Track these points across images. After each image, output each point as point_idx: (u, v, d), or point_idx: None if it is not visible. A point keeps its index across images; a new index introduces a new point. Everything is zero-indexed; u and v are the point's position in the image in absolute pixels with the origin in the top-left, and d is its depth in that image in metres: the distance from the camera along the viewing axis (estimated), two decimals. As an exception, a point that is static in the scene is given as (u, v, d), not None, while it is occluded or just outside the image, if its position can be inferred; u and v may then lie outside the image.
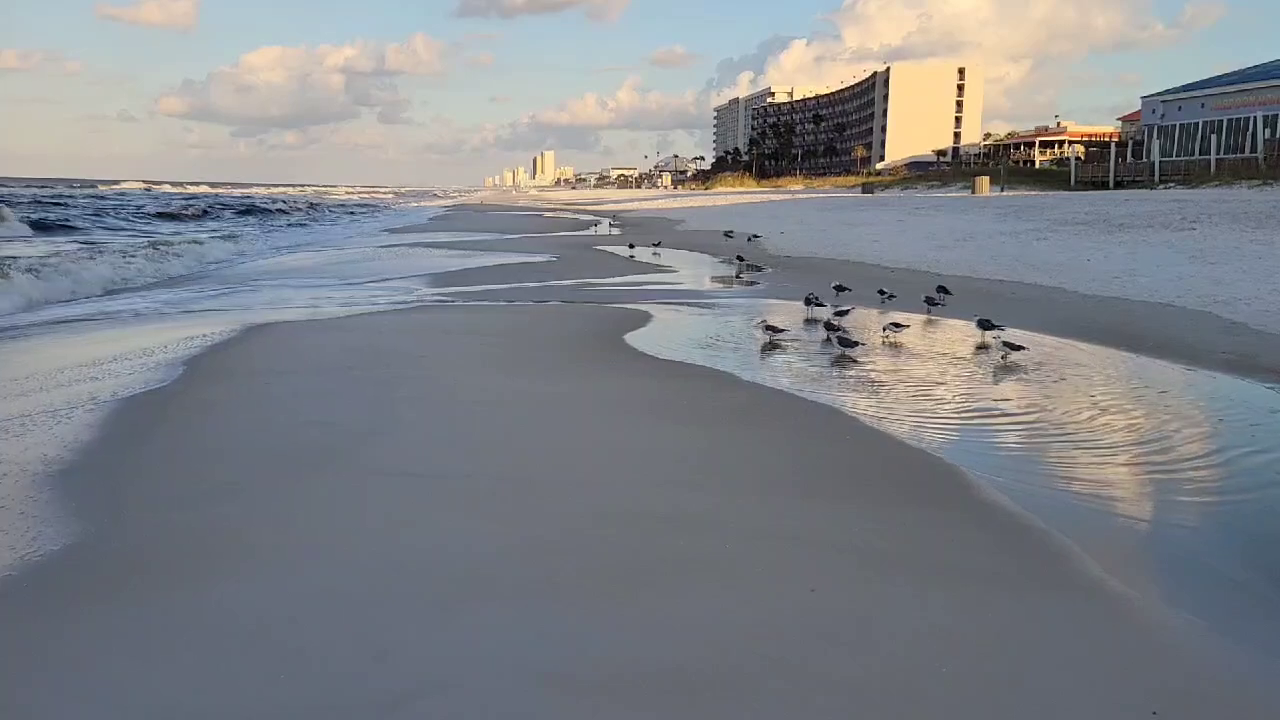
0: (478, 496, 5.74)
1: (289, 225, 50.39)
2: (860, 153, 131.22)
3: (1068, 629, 4.07)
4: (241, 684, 3.58)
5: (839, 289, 14.79)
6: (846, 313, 12.53)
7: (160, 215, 52.91)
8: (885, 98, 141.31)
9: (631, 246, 28.05)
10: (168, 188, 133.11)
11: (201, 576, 4.54)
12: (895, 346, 11.13)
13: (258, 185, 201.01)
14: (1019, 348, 10.20)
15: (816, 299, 13.87)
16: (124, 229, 42.04)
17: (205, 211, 57.51)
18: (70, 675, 3.66)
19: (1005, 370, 9.72)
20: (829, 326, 11.58)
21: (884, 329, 11.71)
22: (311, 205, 77.23)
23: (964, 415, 7.94)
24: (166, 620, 4.11)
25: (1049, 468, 6.46)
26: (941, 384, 9.14)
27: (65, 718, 3.41)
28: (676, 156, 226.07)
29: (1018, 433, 7.41)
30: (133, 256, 23.15)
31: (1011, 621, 4.16)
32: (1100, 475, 6.24)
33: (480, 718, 3.37)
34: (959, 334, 12.07)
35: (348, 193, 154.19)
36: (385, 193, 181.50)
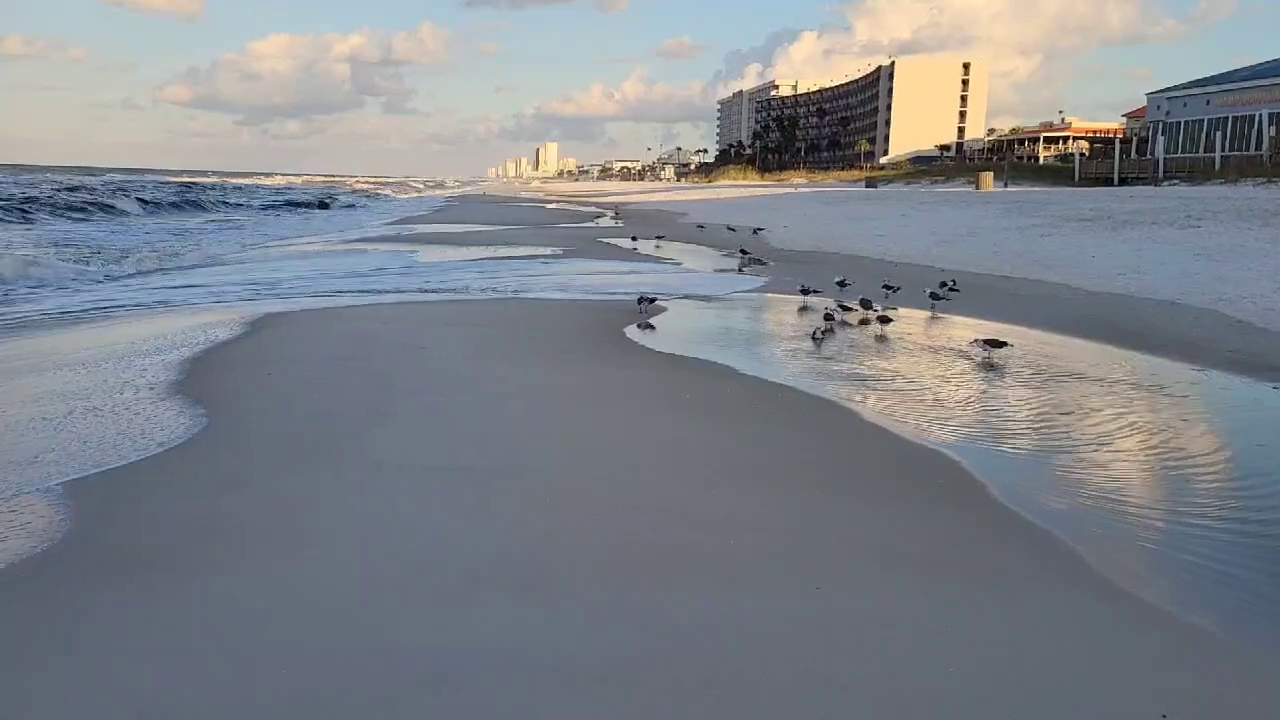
0: (482, 489, 5.72)
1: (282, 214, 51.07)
2: (864, 147, 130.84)
3: (1077, 630, 4.05)
4: (244, 677, 3.56)
5: (841, 284, 14.77)
6: (850, 309, 12.50)
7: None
8: (889, 92, 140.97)
9: (634, 239, 28.00)
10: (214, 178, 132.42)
11: (203, 568, 4.52)
12: (885, 338, 11.09)
13: (261, 174, 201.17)
14: (999, 343, 9.95)
15: (812, 289, 14.31)
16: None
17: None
18: (72, 666, 3.64)
19: (1011, 368, 9.67)
20: (828, 317, 11.76)
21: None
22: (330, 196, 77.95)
23: (971, 412, 7.91)
24: (167, 612, 4.09)
25: (1057, 466, 6.42)
26: (947, 381, 9.10)
27: (66, 709, 3.40)
28: (679, 149, 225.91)
29: (1025, 431, 7.37)
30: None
31: (1020, 621, 4.13)
32: (1110, 475, 6.21)
33: (485, 712, 3.35)
34: (964, 331, 12.02)
35: (355, 183, 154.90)
36: (390, 182, 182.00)
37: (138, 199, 50.23)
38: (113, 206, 45.19)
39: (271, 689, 3.49)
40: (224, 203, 56.81)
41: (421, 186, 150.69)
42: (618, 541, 4.90)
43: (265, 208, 56.25)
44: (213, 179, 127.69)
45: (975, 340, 10.28)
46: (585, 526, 5.10)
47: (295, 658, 3.70)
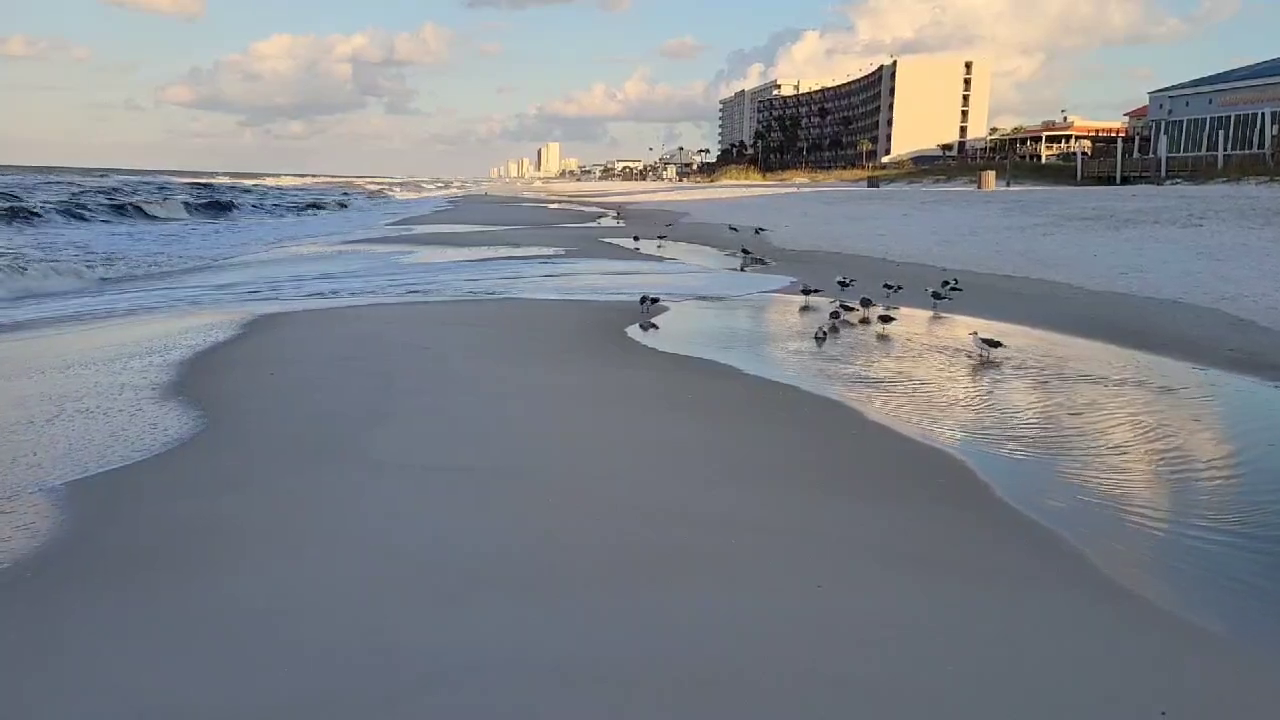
0: (482, 489, 5.72)
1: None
2: (866, 146, 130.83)
3: (1078, 629, 4.05)
4: (244, 677, 3.57)
5: (843, 284, 14.77)
6: (852, 309, 12.57)
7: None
8: (891, 91, 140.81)
9: (636, 239, 27.99)
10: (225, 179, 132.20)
11: (203, 568, 4.53)
12: (888, 338, 11.09)
13: (269, 175, 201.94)
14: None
15: (814, 289, 14.45)
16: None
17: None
18: (73, 668, 3.64)
19: (1012, 367, 9.67)
20: (834, 315, 12.01)
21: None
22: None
23: (973, 412, 7.90)
24: (167, 612, 4.09)
25: (1059, 466, 6.42)
26: (949, 380, 9.10)
27: (66, 709, 3.40)
28: (681, 149, 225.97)
29: (1028, 430, 7.36)
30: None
31: (1021, 620, 4.13)
32: (1112, 475, 6.20)
33: (485, 712, 3.36)
34: (966, 331, 12.01)
35: (366, 183, 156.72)
36: (397, 182, 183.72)
37: (182, 202, 50.60)
38: (143, 210, 45.27)
39: (272, 689, 3.49)
40: (253, 206, 57.20)
41: (432, 187, 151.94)
42: (618, 541, 4.90)
43: (299, 209, 58.50)
44: (224, 179, 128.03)
45: (974, 333, 10.31)
46: (585, 526, 5.10)
47: (295, 658, 3.71)
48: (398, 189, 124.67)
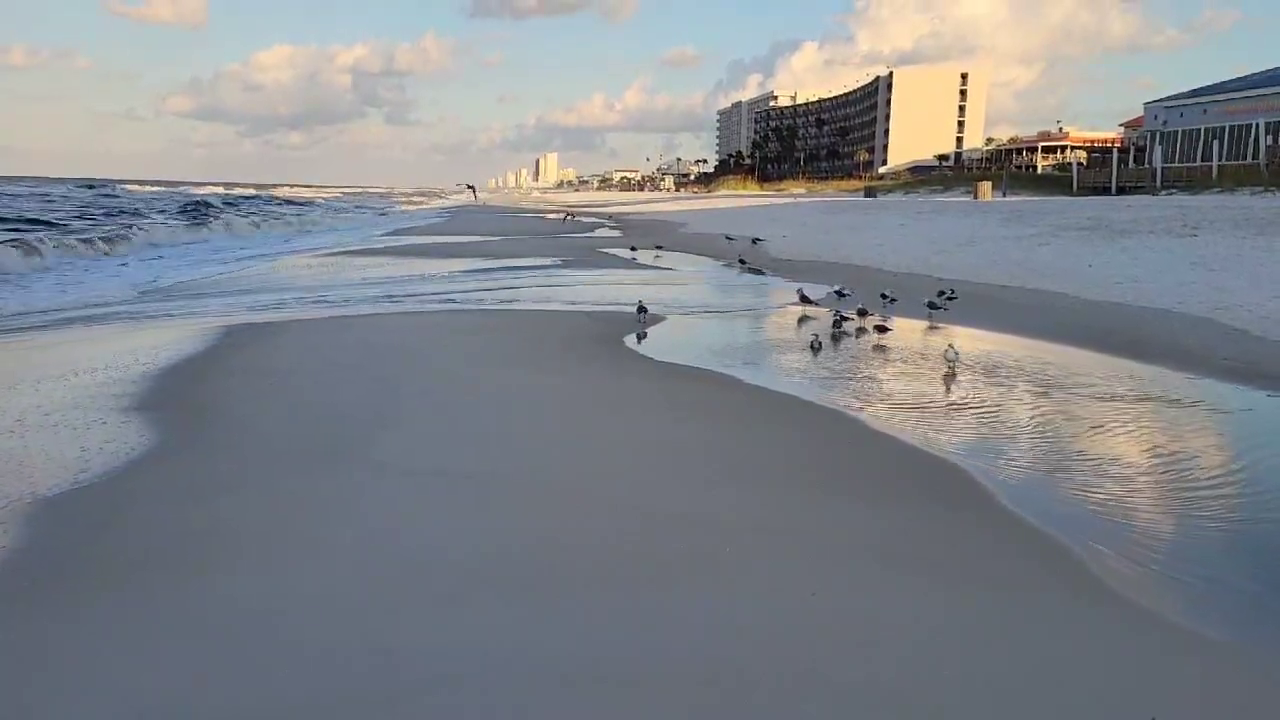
0: (482, 490, 5.75)
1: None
2: (863, 156, 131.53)
3: (1076, 633, 4.07)
4: (245, 678, 3.58)
5: (840, 294, 14.84)
6: (848, 319, 12.70)
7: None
8: (888, 102, 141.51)
9: (633, 249, 28.03)
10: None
11: (206, 571, 4.54)
12: (884, 348, 11.14)
13: (272, 185, 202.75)
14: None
15: (810, 299, 14.58)
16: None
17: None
18: (72, 670, 3.65)
19: (1011, 376, 9.72)
20: (836, 324, 12.38)
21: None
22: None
23: (970, 419, 7.94)
24: (170, 615, 4.11)
25: (1056, 473, 6.45)
26: (944, 388, 9.14)
27: (67, 711, 3.42)
28: (679, 159, 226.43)
29: (1024, 437, 7.40)
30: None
31: (1019, 623, 4.16)
32: (1109, 482, 6.22)
33: (485, 712, 3.38)
34: (963, 340, 12.07)
35: (383, 193, 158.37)
36: (392, 192, 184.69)
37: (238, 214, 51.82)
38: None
39: (272, 689, 3.51)
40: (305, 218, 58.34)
41: (461, 196, 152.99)
42: (618, 542, 4.92)
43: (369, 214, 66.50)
44: (248, 189, 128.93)
45: (949, 346, 10.31)
46: (585, 527, 5.13)
47: (295, 658, 3.73)
48: (418, 198, 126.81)
